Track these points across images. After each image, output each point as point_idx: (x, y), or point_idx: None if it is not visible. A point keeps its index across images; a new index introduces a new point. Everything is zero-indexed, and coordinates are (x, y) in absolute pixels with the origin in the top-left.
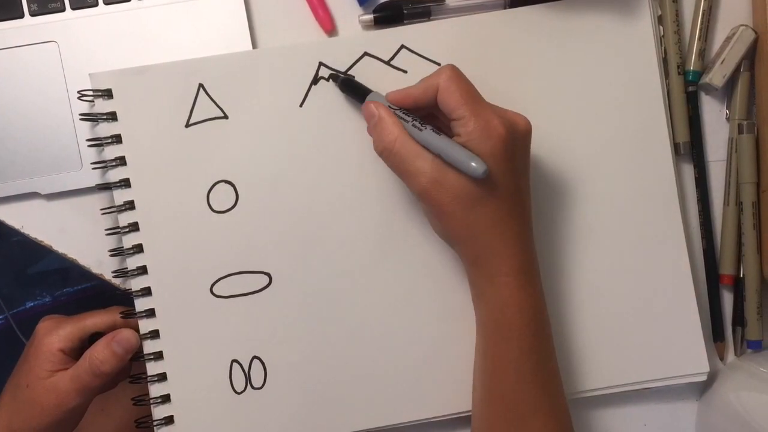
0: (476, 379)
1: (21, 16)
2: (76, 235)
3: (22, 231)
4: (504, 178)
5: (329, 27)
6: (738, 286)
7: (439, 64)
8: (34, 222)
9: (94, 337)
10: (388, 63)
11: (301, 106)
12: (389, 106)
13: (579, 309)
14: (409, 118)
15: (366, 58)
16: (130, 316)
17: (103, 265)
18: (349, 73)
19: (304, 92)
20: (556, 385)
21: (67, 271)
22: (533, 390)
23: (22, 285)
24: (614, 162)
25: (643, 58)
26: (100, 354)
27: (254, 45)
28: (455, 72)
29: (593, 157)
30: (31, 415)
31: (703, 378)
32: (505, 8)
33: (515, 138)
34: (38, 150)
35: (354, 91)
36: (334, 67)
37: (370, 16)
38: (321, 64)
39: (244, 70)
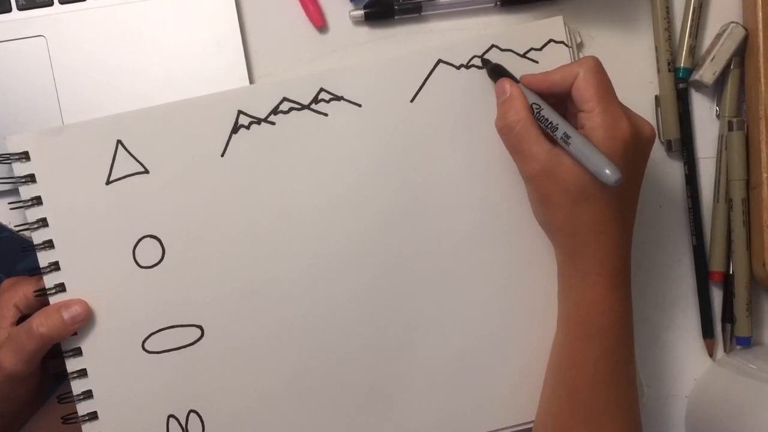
0: (549, 375)
1: (9, 10)
2: None
3: (10, 227)
4: None
5: (320, 23)
6: (727, 282)
7: (359, 106)
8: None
9: None
10: (308, 107)
11: (222, 155)
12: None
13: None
14: (541, 105)
15: (285, 102)
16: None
17: None
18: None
19: (225, 141)
20: (631, 390)
21: None
22: (608, 391)
23: None
24: None
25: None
26: (44, 317)
27: (244, 40)
28: (597, 64)
29: None
30: None
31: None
32: (495, 5)
33: (637, 143)
34: None
35: (499, 75)
36: (253, 114)
37: (361, 12)
38: (240, 112)
39: (161, 124)
